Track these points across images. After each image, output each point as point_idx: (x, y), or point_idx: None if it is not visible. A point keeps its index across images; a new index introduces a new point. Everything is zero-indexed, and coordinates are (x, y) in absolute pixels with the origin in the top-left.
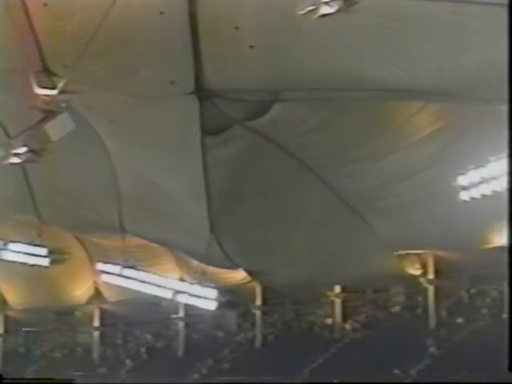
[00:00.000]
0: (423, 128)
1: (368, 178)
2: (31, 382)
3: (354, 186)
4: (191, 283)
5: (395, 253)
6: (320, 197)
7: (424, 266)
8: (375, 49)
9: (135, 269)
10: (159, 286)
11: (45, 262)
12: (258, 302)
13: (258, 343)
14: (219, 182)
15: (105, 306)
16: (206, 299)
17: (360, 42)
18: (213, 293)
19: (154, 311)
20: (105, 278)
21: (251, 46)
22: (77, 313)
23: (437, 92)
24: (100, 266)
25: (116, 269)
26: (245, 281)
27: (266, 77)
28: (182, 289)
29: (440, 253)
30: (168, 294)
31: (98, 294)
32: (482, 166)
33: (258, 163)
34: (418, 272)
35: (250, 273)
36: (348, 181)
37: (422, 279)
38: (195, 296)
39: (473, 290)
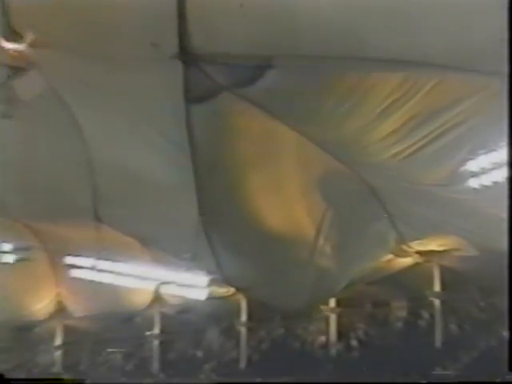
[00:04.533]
0: (428, 106)
1: (369, 154)
2: (39, 381)
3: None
4: (179, 271)
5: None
6: (320, 169)
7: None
8: (380, 14)
9: (112, 260)
10: (142, 278)
11: (10, 258)
12: (243, 317)
13: (242, 364)
14: (206, 154)
15: (69, 322)
16: (197, 288)
17: (363, 8)
18: (204, 280)
19: (125, 327)
20: (75, 273)
21: (241, 5)
22: (37, 329)
23: (447, 64)
24: (69, 260)
25: (88, 262)
26: (228, 293)
27: (258, 40)
28: (169, 279)
29: (446, 262)
30: (151, 286)
31: (61, 309)
32: (493, 150)
33: (250, 134)
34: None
35: (237, 288)
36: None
37: (427, 292)
38: (184, 286)
39: (483, 303)
